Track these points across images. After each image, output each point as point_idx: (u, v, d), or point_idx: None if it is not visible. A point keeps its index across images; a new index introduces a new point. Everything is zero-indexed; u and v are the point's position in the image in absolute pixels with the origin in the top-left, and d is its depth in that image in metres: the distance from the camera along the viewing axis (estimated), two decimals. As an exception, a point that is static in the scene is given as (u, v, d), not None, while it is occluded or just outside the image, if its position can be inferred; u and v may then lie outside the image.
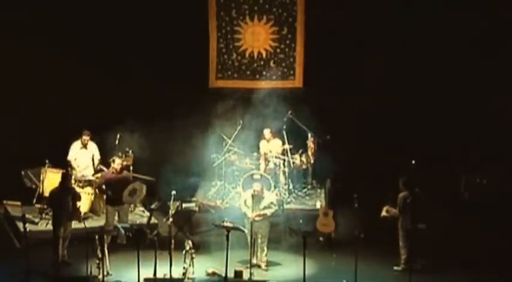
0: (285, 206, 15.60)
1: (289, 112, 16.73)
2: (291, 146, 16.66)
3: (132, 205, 15.45)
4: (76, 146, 15.91)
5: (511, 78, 16.74)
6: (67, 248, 13.60)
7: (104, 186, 14.50)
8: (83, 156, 15.91)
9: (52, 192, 13.96)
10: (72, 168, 15.70)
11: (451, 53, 16.95)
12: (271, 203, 13.52)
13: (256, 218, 13.29)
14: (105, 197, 14.78)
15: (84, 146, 15.89)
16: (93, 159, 15.96)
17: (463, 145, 16.61)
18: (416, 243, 13.22)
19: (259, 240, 13.45)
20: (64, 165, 15.71)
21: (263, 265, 13.53)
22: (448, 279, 13.17)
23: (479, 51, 16.77)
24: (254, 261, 13.31)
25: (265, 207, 13.42)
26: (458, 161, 16.50)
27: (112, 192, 14.32)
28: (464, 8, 16.70)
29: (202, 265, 13.27)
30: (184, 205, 15.52)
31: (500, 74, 16.74)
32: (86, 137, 15.83)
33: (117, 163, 14.52)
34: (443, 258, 13.66)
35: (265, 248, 13.58)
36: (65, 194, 13.53)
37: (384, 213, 13.51)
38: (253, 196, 13.40)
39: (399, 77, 17.00)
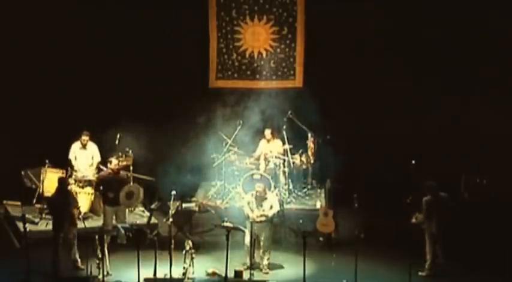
0: (285, 206, 15.59)
1: (289, 112, 16.74)
2: (291, 146, 16.66)
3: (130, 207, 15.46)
4: (75, 146, 15.90)
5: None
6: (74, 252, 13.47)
7: (101, 187, 14.51)
8: (83, 156, 15.89)
9: (51, 198, 13.96)
10: (73, 168, 15.71)
11: (451, 52, 16.97)
12: (273, 205, 13.47)
13: (258, 219, 13.24)
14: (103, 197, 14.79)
15: (84, 146, 15.87)
16: (93, 159, 15.95)
17: (463, 146, 16.61)
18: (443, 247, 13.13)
19: (261, 243, 13.38)
20: (64, 165, 15.73)
21: (265, 268, 13.45)
22: (448, 279, 13.16)
23: (479, 55, 16.83)
24: (254, 261, 13.28)
25: (267, 209, 13.38)
26: (459, 161, 16.49)
27: (109, 192, 14.32)
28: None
29: (202, 265, 13.27)
30: (184, 205, 15.54)
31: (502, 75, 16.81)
32: (85, 137, 15.81)
33: (113, 164, 14.52)
34: (443, 259, 13.65)
35: (268, 252, 13.47)
36: (63, 198, 13.44)
37: (413, 220, 13.33)
38: (256, 197, 13.37)
39: (399, 77, 17.00)
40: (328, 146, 16.61)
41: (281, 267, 13.65)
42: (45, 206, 15.22)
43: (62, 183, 13.68)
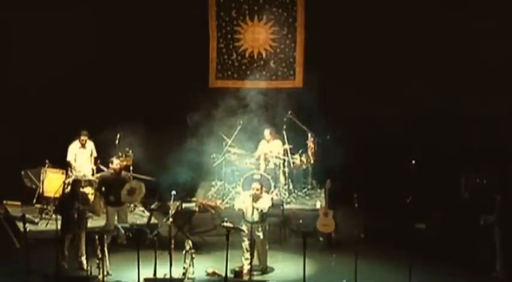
0: (285, 206, 15.58)
1: (289, 112, 16.76)
2: (291, 146, 16.66)
3: (132, 205, 15.45)
4: (74, 146, 15.93)
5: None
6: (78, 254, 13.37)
7: (103, 188, 14.51)
8: (82, 156, 15.93)
9: (61, 198, 13.96)
10: (72, 169, 15.73)
11: (453, 54, 17.00)
12: (266, 202, 13.38)
13: (256, 217, 13.17)
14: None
15: (83, 145, 15.91)
16: (91, 156, 15.98)
17: (463, 145, 16.62)
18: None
19: (259, 245, 13.30)
20: (64, 165, 15.75)
21: (264, 269, 13.37)
22: (448, 279, 13.16)
23: (481, 54, 16.83)
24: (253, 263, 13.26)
25: (261, 205, 13.31)
26: (458, 161, 16.49)
27: (111, 193, 14.32)
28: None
29: (202, 265, 13.26)
30: (184, 205, 15.54)
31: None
32: (84, 137, 15.86)
33: (115, 164, 14.54)
34: (443, 259, 13.66)
35: (266, 253, 13.42)
36: (73, 200, 13.33)
37: (481, 222, 13.10)
38: (252, 196, 13.33)
39: (399, 76, 17.00)
40: (328, 146, 16.61)
41: (280, 268, 13.63)
42: (45, 206, 15.27)
43: (75, 184, 13.68)
